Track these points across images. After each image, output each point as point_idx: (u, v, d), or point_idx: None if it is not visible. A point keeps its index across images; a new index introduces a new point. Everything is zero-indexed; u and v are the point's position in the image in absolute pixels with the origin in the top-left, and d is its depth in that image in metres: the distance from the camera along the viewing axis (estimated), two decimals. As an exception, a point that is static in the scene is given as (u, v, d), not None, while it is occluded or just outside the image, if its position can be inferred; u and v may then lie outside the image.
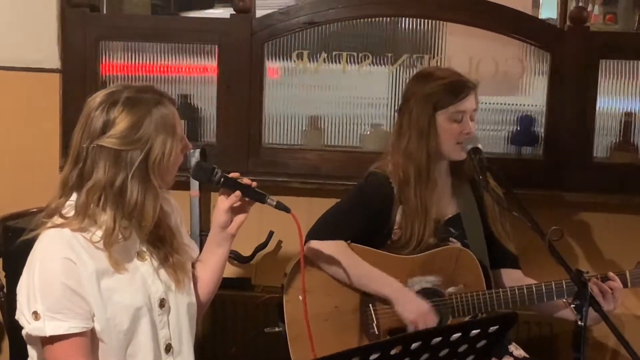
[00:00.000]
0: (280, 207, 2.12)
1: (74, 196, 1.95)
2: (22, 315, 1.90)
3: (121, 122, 1.91)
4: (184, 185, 3.15)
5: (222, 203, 2.12)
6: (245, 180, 2.13)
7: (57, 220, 1.93)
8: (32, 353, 2.03)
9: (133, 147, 1.91)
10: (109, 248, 1.91)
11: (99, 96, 1.97)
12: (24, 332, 1.93)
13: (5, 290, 2.83)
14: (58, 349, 1.88)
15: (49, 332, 1.86)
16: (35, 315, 1.86)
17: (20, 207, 2.96)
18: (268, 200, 2.11)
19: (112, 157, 1.91)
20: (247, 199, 2.12)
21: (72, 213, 1.93)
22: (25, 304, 1.89)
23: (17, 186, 3.43)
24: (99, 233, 1.92)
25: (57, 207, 1.95)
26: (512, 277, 2.70)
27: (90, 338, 1.91)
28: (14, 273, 2.70)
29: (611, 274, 2.49)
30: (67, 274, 1.87)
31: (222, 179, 2.10)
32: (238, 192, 2.10)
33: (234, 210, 2.12)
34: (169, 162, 1.97)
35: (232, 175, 2.12)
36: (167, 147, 1.95)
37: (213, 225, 2.16)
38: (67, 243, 1.89)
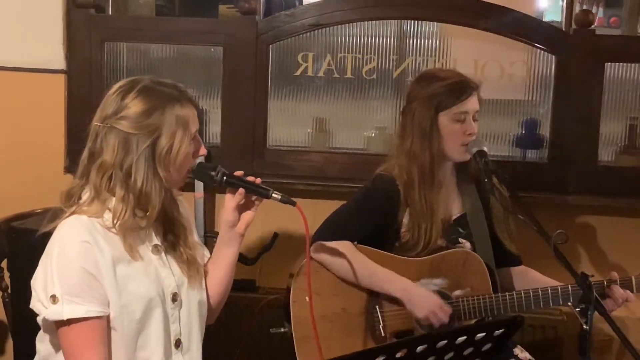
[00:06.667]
0: (285, 200, 2.10)
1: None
2: (39, 302, 1.91)
3: (133, 106, 1.94)
4: (188, 187, 3.15)
5: (228, 202, 2.13)
6: (249, 178, 2.12)
7: (74, 210, 1.95)
8: (40, 347, 2.04)
9: (141, 132, 1.93)
10: (122, 232, 1.93)
11: (120, 82, 2.02)
12: (39, 319, 1.94)
13: (9, 291, 2.83)
14: (74, 333, 1.89)
15: (66, 315, 1.87)
16: (54, 298, 1.87)
17: (25, 208, 2.96)
18: (273, 194, 2.09)
19: (121, 139, 1.94)
20: (252, 195, 2.11)
21: (86, 195, 1.96)
22: (42, 289, 1.89)
23: (21, 187, 3.43)
24: (109, 216, 1.94)
25: (73, 190, 1.98)
26: (515, 272, 2.73)
27: (105, 327, 1.92)
28: (19, 273, 2.72)
29: (614, 273, 2.51)
30: (86, 257, 1.88)
31: (224, 177, 2.10)
32: (242, 190, 2.09)
33: (240, 209, 2.13)
34: (177, 157, 1.97)
35: (236, 173, 2.12)
36: (176, 140, 1.96)
37: (222, 225, 2.17)
38: (85, 228, 1.91)
